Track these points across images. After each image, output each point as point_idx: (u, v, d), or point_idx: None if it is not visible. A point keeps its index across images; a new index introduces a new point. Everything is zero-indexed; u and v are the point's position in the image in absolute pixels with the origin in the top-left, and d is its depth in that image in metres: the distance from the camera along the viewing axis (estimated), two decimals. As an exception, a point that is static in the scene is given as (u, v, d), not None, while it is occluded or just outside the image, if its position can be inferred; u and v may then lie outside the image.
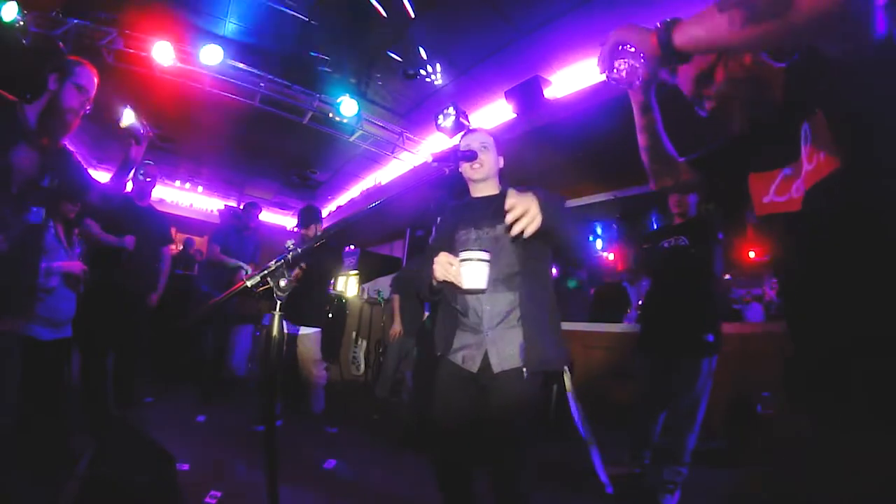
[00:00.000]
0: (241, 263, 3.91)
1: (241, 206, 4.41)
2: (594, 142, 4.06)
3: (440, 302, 1.63)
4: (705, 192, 1.07)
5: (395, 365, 4.14)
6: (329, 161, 6.83)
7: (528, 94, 4.03)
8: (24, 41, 3.86)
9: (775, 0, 0.66)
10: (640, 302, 4.00)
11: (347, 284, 6.82)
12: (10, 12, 3.69)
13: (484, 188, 1.64)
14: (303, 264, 2.95)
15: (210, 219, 8.40)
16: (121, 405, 3.09)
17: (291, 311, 3.02)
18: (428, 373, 2.99)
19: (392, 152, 5.75)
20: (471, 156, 1.56)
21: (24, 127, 1.47)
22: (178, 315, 4.13)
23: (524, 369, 1.41)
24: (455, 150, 1.52)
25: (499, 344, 1.45)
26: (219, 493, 2.03)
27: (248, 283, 0.97)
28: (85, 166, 1.77)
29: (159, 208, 3.80)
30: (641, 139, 1.13)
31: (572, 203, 5.11)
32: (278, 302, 0.99)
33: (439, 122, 4.59)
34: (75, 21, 3.99)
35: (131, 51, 4.15)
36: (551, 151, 4.30)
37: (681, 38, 0.79)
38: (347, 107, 4.77)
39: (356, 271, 6.66)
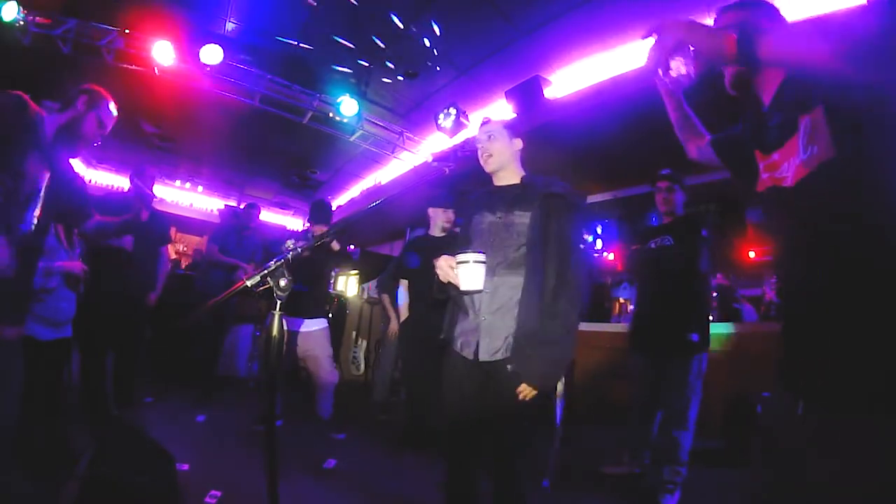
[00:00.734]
0: (240, 263, 3.91)
1: (241, 207, 4.41)
2: (594, 142, 4.07)
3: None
4: (726, 167, 1.13)
5: (390, 367, 4.09)
6: (329, 161, 6.83)
7: (528, 94, 4.03)
8: (24, 41, 3.86)
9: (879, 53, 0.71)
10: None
11: (347, 284, 6.82)
12: (10, 12, 3.69)
13: (504, 177, 1.62)
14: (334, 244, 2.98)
15: (210, 219, 8.40)
16: (121, 405, 3.09)
17: (293, 307, 2.97)
18: (420, 368, 2.99)
19: (392, 152, 5.75)
20: (470, 155, 1.57)
21: (41, 138, 1.48)
22: (178, 315, 4.12)
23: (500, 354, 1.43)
24: (455, 149, 1.53)
25: (491, 331, 1.46)
26: (219, 493, 2.03)
27: (248, 283, 0.97)
28: (87, 189, 1.79)
29: (159, 208, 3.80)
30: (673, 117, 1.30)
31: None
32: (278, 302, 0.99)
33: (439, 121, 4.58)
34: (75, 21, 3.99)
35: (131, 51, 4.15)
36: (551, 151, 4.30)
37: (768, 51, 0.80)
38: (347, 107, 4.77)
39: (356, 271, 6.65)
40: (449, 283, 1.44)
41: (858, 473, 0.72)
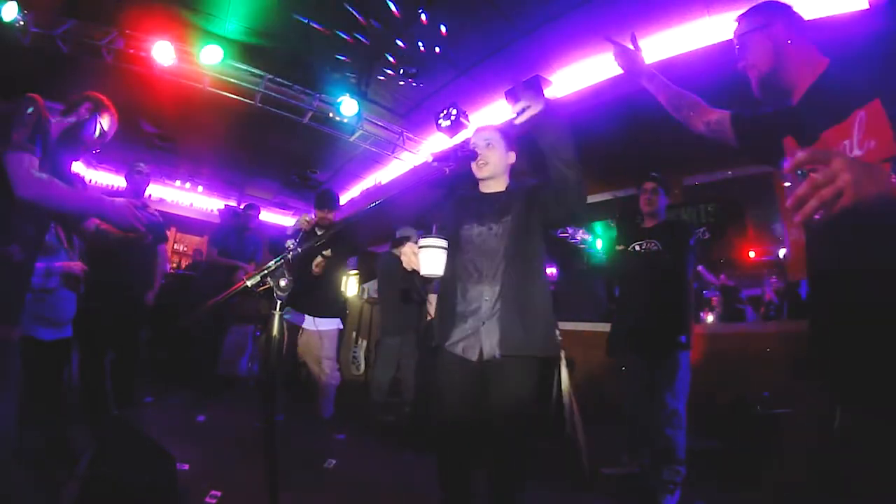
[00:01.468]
0: (240, 264, 3.91)
1: (241, 207, 4.40)
2: (594, 142, 4.05)
3: (439, 294, 1.67)
4: (736, 146, 1.13)
5: (386, 368, 4.02)
6: (329, 161, 6.82)
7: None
8: (24, 41, 3.85)
9: None
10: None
11: (347, 284, 6.82)
12: (10, 12, 3.68)
13: (492, 184, 1.68)
14: (326, 252, 2.90)
15: (210, 219, 8.39)
16: (121, 405, 3.09)
17: (307, 302, 2.92)
18: (430, 369, 2.98)
19: (392, 152, 5.75)
20: (471, 155, 1.57)
21: (49, 142, 1.48)
22: (178, 315, 4.12)
23: (500, 355, 1.46)
24: (455, 149, 1.54)
25: (492, 333, 1.48)
26: (219, 493, 2.03)
27: (248, 283, 0.97)
28: (87, 191, 1.79)
29: (160, 208, 3.80)
30: (663, 100, 1.30)
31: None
32: (278, 302, 0.99)
33: (439, 122, 4.58)
34: (75, 21, 3.98)
35: (131, 51, 4.14)
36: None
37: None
38: (347, 107, 4.77)
39: (356, 271, 6.65)
40: (413, 271, 1.47)
41: None
